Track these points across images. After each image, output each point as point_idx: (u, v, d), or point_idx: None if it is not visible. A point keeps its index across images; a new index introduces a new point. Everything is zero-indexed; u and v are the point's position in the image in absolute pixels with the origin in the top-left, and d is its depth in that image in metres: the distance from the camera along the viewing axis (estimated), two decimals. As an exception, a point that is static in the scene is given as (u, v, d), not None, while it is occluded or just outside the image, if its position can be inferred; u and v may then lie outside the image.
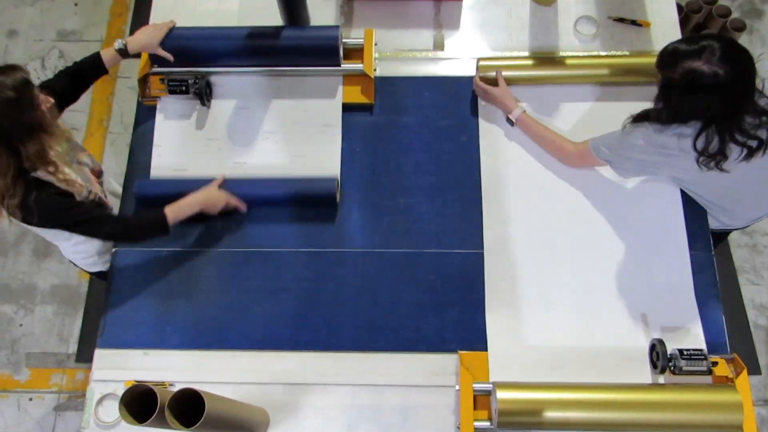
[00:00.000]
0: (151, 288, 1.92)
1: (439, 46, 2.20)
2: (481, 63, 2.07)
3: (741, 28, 2.56)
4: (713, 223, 1.96)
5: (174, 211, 1.81)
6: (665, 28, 2.19)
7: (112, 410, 1.78)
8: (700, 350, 1.69)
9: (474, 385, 1.70)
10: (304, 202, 1.99)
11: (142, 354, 1.84)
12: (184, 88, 2.04)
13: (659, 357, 1.70)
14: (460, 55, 2.18)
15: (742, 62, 1.54)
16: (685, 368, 1.66)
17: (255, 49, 2.05)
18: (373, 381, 1.79)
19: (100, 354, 1.85)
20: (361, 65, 2.08)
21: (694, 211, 1.94)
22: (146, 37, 1.97)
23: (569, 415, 1.62)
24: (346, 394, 1.78)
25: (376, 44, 2.13)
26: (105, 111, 3.37)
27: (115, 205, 2.04)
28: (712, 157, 1.63)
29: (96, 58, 1.93)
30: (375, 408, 1.76)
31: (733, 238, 2.98)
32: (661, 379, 1.74)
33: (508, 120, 2.03)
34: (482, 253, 1.91)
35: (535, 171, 2.00)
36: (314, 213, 1.98)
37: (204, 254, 1.95)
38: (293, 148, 2.05)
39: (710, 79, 1.52)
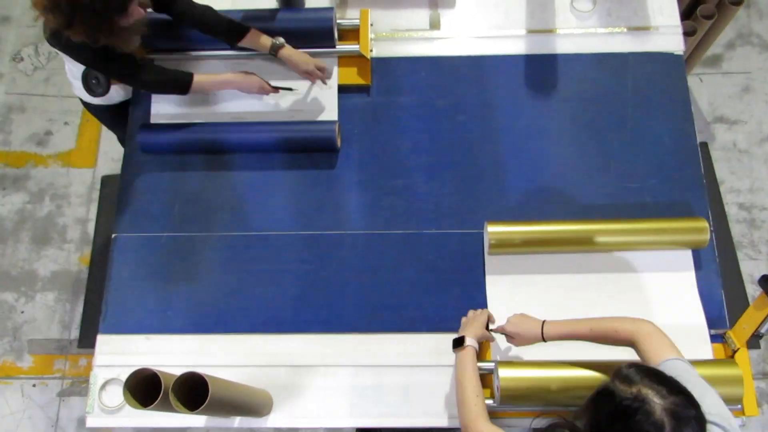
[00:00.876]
0: (152, 273, 1.92)
1: (435, 25, 2.19)
2: (491, 229, 1.82)
3: (738, 2, 2.54)
4: None
5: (205, 79, 1.89)
6: (662, 3, 2.17)
7: (116, 395, 1.79)
8: None
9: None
10: (304, 148, 2.02)
11: (144, 339, 1.85)
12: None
13: None
14: (456, 34, 2.16)
15: None
16: None
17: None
18: (374, 361, 1.80)
19: (102, 339, 1.86)
20: (357, 46, 2.06)
21: (693, 189, 1.94)
22: (301, 58, 1.98)
23: (570, 393, 1.63)
24: (348, 375, 1.79)
25: (371, 25, 2.12)
26: (100, 96, 3.34)
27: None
28: None
29: (242, 28, 1.94)
30: (377, 388, 1.78)
31: (731, 213, 2.99)
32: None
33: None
34: (482, 233, 1.91)
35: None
36: (312, 193, 1.98)
37: (204, 238, 1.95)
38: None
39: None
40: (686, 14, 2.70)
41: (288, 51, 1.96)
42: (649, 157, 1.99)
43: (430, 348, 1.81)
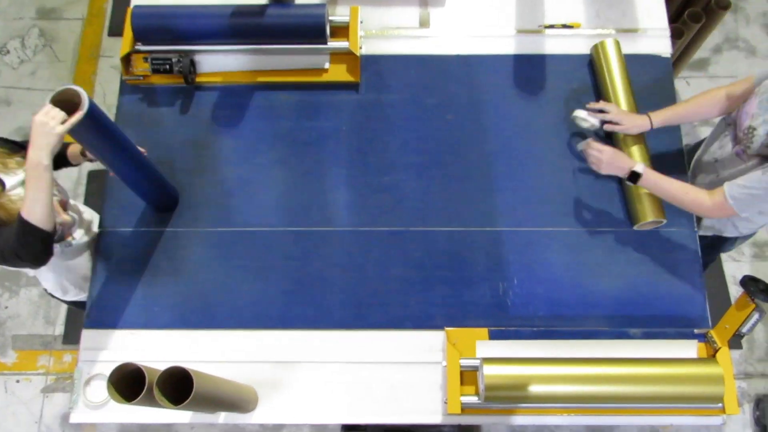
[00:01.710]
0: (138, 268, 1.91)
1: (424, 23, 2.19)
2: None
3: (726, 6, 2.56)
4: (731, 231, 2.02)
5: (26, 204, 1.50)
6: (650, 6, 2.19)
7: (100, 390, 1.78)
8: None
9: (460, 361, 1.72)
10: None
11: (130, 334, 1.84)
12: (168, 66, 2.02)
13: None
14: (446, 32, 2.17)
15: None
16: None
17: (240, 27, 2.03)
18: (361, 358, 1.80)
19: (87, 335, 1.85)
20: (346, 43, 2.06)
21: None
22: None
23: (554, 389, 1.64)
24: (334, 372, 1.80)
25: (361, 22, 2.12)
26: (87, 91, 3.29)
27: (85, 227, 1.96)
28: None
29: (62, 151, 1.79)
30: (363, 385, 1.78)
31: (716, 215, 3.01)
32: (646, 354, 1.76)
33: (630, 179, 1.80)
34: (468, 231, 1.92)
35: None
36: (300, 189, 1.98)
37: (190, 234, 1.95)
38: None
39: None
40: (674, 17, 2.72)
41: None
42: (635, 158, 2.00)
43: (417, 345, 1.81)
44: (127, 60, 2.08)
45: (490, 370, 1.63)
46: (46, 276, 1.94)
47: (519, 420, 1.75)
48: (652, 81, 2.09)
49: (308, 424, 1.81)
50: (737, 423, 2.71)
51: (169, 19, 2.00)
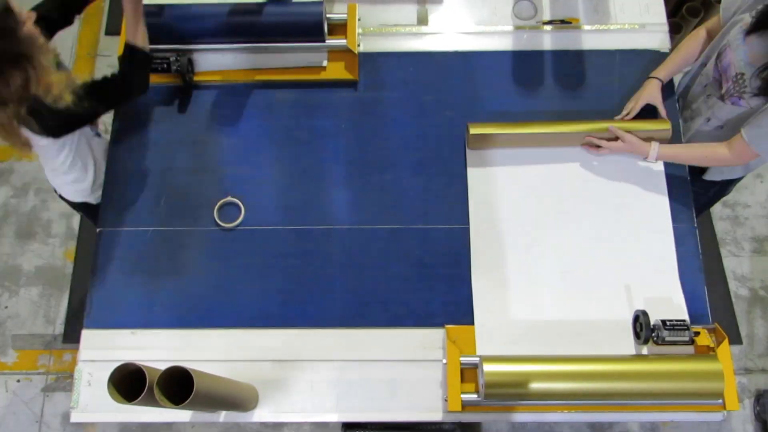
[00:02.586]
0: (138, 267, 1.91)
1: (422, 20, 2.19)
2: (472, 130, 1.94)
3: None
4: (714, 175, 2.10)
5: (130, 32, 1.76)
6: (649, 1, 2.18)
7: (101, 390, 1.78)
8: (683, 320, 1.72)
9: (461, 359, 1.72)
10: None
11: (130, 333, 1.84)
12: (165, 65, 2.02)
13: (642, 328, 1.72)
14: (444, 29, 2.17)
15: None
16: (667, 338, 1.69)
17: (238, 25, 2.03)
18: (361, 356, 1.80)
19: (87, 334, 1.85)
20: (344, 41, 2.06)
21: (676, 184, 1.96)
22: None
23: (554, 386, 1.64)
24: (334, 370, 1.80)
25: (359, 19, 2.11)
26: (85, 90, 3.31)
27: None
28: None
29: None
30: (363, 383, 1.78)
31: (715, 210, 3.02)
32: (645, 350, 1.77)
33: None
34: (468, 228, 1.92)
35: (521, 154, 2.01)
36: (299, 187, 1.98)
37: (189, 233, 1.94)
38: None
39: None
40: (673, 12, 2.72)
41: None
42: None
43: (417, 342, 1.81)
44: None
45: (489, 368, 1.64)
46: (69, 179, 1.98)
47: (519, 417, 1.75)
48: (651, 77, 2.08)
49: (309, 422, 1.81)
50: (738, 419, 2.71)
51: (167, 17, 2.00)
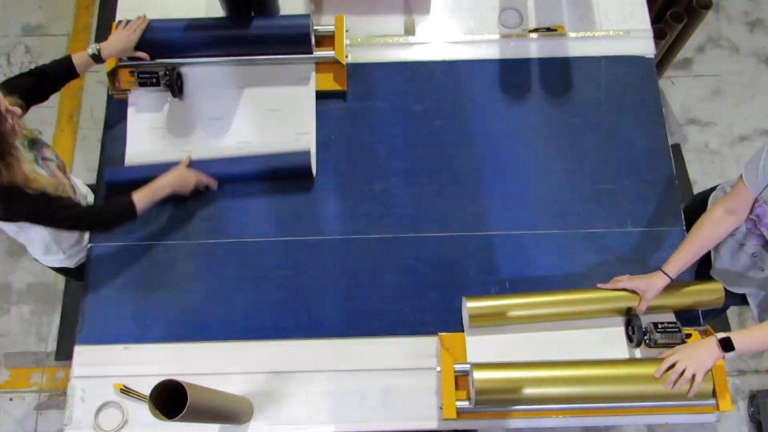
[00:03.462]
0: (129, 282, 1.91)
1: (410, 31, 2.20)
2: (470, 304, 1.79)
3: (707, 5, 2.59)
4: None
5: (144, 195, 1.81)
6: (633, 8, 2.21)
7: (113, 417, 1.78)
8: (674, 323, 1.73)
9: (455, 366, 1.72)
10: (280, 178, 2.00)
11: (123, 349, 1.83)
12: (154, 80, 2.02)
13: (634, 331, 1.73)
14: (431, 39, 2.18)
15: None
16: (660, 341, 1.70)
17: (226, 38, 2.04)
18: (355, 366, 1.80)
19: (79, 350, 1.84)
20: (332, 52, 2.07)
21: (665, 188, 1.97)
22: (121, 42, 1.94)
23: (547, 391, 1.65)
24: (329, 380, 1.79)
25: (347, 31, 2.12)
26: (75, 106, 3.32)
27: (82, 200, 2.02)
28: None
29: (66, 61, 1.86)
30: (358, 392, 1.78)
31: (705, 213, 3.03)
32: (638, 353, 1.77)
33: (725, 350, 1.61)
34: (459, 236, 1.93)
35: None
36: (290, 199, 1.98)
37: (181, 246, 1.94)
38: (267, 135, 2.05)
39: None
40: (657, 18, 2.75)
41: (108, 49, 1.91)
42: (622, 159, 2.02)
43: (410, 351, 1.81)
44: (113, 74, 2.08)
45: (480, 375, 1.64)
46: (40, 236, 1.92)
47: (515, 423, 1.75)
48: (636, 82, 2.11)
49: (304, 433, 1.81)
50: (732, 420, 2.72)
51: (154, 32, 2.00)
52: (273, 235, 1.95)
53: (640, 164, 2.01)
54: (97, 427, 1.76)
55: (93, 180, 2.10)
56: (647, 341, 1.72)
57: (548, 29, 2.18)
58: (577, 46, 2.14)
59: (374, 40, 2.19)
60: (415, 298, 1.88)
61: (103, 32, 3.42)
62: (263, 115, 2.07)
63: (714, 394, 1.66)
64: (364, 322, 1.85)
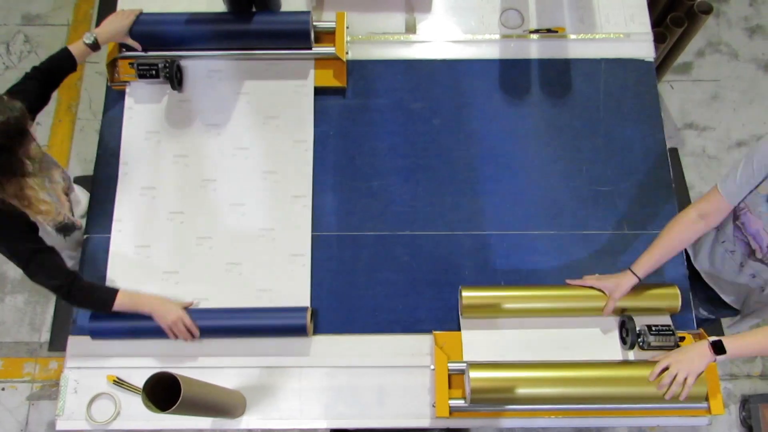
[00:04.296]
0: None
1: (411, 29, 2.20)
2: (465, 293, 1.80)
3: (708, 10, 2.60)
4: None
5: (127, 302, 1.73)
6: (633, 11, 2.21)
7: (106, 409, 1.78)
8: (668, 326, 1.73)
9: (448, 365, 1.72)
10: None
11: (117, 340, 1.83)
12: (154, 72, 2.02)
13: (628, 333, 1.74)
14: (432, 38, 2.18)
15: None
16: (653, 343, 1.71)
17: (226, 33, 2.04)
18: (349, 363, 1.80)
19: (73, 341, 1.84)
20: (332, 48, 2.07)
21: (663, 194, 1.98)
22: (114, 27, 1.94)
23: (541, 392, 1.65)
24: (322, 376, 1.80)
25: (347, 27, 2.12)
26: (73, 97, 3.31)
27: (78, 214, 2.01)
28: None
29: (64, 54, 1.85)
30: (352, 389, 1.78)
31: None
32: (631, 355, 1.78)
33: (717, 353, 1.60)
34: (455, 234, 1.93)
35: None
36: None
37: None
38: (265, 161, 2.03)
39: None
40: (657, 22, 2.75)
41: (103, 34, 1.89)
42: (620, 162, 2.02)
43: (404, 349, 1.82)
44: (112, 65, 2.08)
45: (476, 374, 1.64)
46: None
47: (507, 423, 1.75)
48: (636, 85, 2.11)
49: (297, 429, 1.80)
50: (723, 424, 2.73)
51: (154, 25, 2.00)
52: (269, 230, 1.95)
53: (638, 167, 2.01)
54: (90, 418, 1.76)
55: (90, 171, 2.09)
56: (641, 343, 1.73)
57: (549, 30, 2.18)
58: (577, 47, 2.15)
59: (375, 38, 2.19)
60: (410, 295, 1.88)
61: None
62: (261, 119, 2.06)
63: (706, 398, 1.67)
64: (358, 319, 1.86)
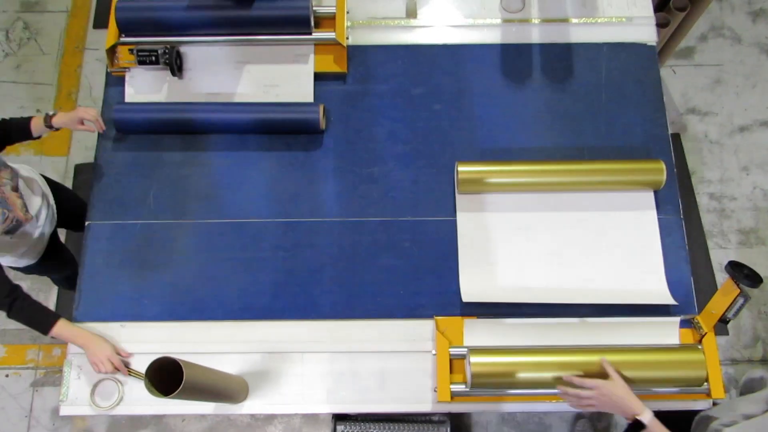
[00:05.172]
0: (127, 261, 1.91)
1: (411, 13, 2.19)
2: (461, 168, 1.89)
3: (711, -5, 2.58)
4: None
5: (63, 329, 1.77)
6: (636, -5, 2.20)
7: (109, 394, 1.79)
8: None
9: (450, 350, 1.73)
10: (286, 130, 2.02)
11: (119, 326, 1.84)
12: (153, 58, 2.01)
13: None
14: (433, 22, 2.17)
15: None
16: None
17: (226, 18, 2.02)
18: (350, 348, 1.81)
19: (76, 327, 1.84)
20: (333, 34, 2.06)
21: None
22: (69, 117, 1.93)
23: (541, 376, 1.66)
24: (324, 362, 1.80)
25: (348, 12, 2.11)
26: (73, 84, 3.30)
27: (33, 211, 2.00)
28: None
29: (26, 123, 1.90)
30: (353, 374, 1.79)
31: (702, 203, 3.04)
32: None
33: (633, 426, 1.49)
34: (455, 220, 1.93)
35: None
36: (288, 180, 1.98)
37: (179, 226, 1.94)
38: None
39: None
40: (660, 6, 2.73)
41: (58, 117, 1.92)
42: (621, 146, 2.01)
43: (406, 334, 1.82)
44: (112, 52, 2.07)
45: (476, 359, 1.65)
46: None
47: (508, 407, 1.77)
48: (638, 70, 2.10)
49: (299, 414, 1.81)
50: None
51: (154, 10, 1.99)
52: (271, 216, 1.95)
53: (639, 152, 2.01)
54: (93, 403, 1.77)
55: (90, 158, 2.09)
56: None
57: None
58: (579, 32, 2.13)
59: (375, 22, 2.17)
60: (411, 281, 1.88)
61: (102, 9, 3.40)
62: (262, 96, 2.05)
63: (706, 379, 1.67)
64: (360, 305, 1.86)
